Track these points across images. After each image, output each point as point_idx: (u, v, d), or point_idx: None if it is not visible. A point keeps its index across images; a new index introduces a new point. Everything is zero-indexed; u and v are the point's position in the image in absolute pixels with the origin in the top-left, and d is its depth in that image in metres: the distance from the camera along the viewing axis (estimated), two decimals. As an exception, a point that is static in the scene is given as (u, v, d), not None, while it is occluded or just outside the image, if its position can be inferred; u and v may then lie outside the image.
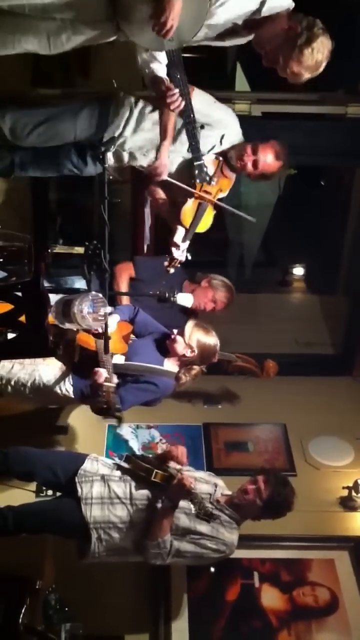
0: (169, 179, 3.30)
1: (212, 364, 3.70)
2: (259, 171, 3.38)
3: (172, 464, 3.34)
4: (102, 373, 3.07)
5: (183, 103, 2.91)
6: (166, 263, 3.46)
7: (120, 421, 3.04)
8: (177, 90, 2.87)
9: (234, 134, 3.37)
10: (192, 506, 3.05)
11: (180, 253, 3.43)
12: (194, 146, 3.11)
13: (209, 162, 3.31)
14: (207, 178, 3.22)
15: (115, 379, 3.08)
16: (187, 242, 3.43)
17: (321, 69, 2.80)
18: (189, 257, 3.53)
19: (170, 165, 3.35)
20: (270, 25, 2.75)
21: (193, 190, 3.27)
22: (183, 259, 3.46)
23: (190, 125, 3.06)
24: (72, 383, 3.39)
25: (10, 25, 2.82)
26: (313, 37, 2.71)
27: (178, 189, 3.31)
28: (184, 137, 3.28)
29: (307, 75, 2.80)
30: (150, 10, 2.57)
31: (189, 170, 3.31)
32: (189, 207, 3.33)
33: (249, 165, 3.34)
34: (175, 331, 3.52)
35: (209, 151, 3.31)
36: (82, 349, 3.18)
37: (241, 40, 2.96)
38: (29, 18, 2.77)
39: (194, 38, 2.78)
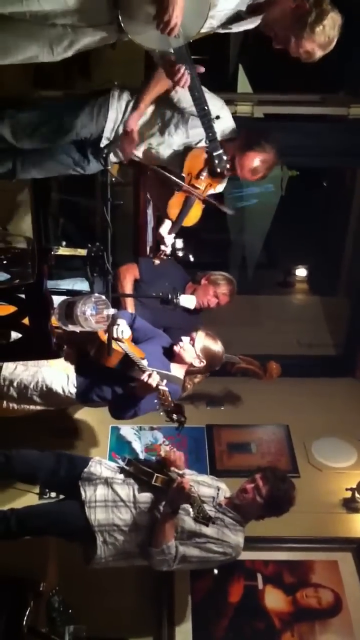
0: (157, 169, 3.28)
1: (215, 366, 3.71)
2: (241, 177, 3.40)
3: (174, 468, 3.33)
4: (155, 376, 3.07)
5: (189, 79, 2.89)
6: (152, 255, 3.44)
7: (182, 425, 3.01)
8: (183, 67, 2.86)
9: (222, 127, 3.33)
10: (191, 510, 3.03)
11: (167, 245, 3.40)
12: (211, 137, 3.09)
13: (200, 156, 3.28)
14: (227, 166, 3.19)
15: (165, 381, 3.09)
16: (173, 235, 3.39)
17: (332, 46, 2.76)
18: (191, 259, 3.52)
19: (160, 157, 3.32)
20: (276, 6, 2.73)
21: (181, 183, 3.23)
22: (169, 251, 3.44)
23: (206, 118, 3.03)
24: (75, 385, 3.39)
25: (12, 32, 2.83)
26: (323, 13, 2.65)
27: (166, 179, 3.28)
28: (172, 128, 3.26)
29: (319, 53, 2.75)
30: (154, 9, 2.55)
31: (179, 161, 3.28)
32: (175, 200, 3.28)
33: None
34: (185, 339, 3.52)
35: (196, 144, 3.28)
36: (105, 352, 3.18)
37: (249, 25, 2.92)
38: (31, 24, 2.78)
39: (200, 31, 2.76)
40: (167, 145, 3.30)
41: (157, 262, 3.48)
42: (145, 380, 3.06)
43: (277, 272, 6.68)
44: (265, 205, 5.56)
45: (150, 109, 3.25)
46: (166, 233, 3.40)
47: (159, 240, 3.36)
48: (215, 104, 3.30)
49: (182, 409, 2.96)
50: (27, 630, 2.98)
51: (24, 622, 2.98)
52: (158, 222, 4.49)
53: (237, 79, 4.98)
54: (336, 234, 5.98)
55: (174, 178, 3.21)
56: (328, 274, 6.31)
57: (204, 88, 3.21)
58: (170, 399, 2.99)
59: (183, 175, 3.22)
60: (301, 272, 6.63)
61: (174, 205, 3.29)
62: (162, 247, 3.38)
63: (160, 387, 3.02)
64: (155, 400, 3.07)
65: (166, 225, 3.38)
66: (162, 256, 3.44)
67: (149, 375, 3.06)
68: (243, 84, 4.95)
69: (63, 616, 3.25)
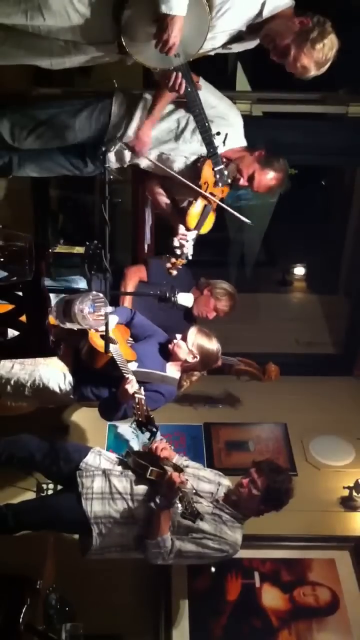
0: (179, 177, 3.29)
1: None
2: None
3: (177, 461, 3.33)
4: (134, 382, 3.06)
5: (184, 83, 2.93)
6: (169, 265, 3.37)
7: (154, 435, 3.01)
8: (175, 74, 2.90)
9: (237, 136, 3.35)
10: (179, 504, 2.99)
11: (185, 252, 3.38)
12: (212, 152, 3.12)
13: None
14: (229, 181, 3.21)
15: (142, 389, 3.09)
16: (194, 236, 3.38)
17: (326, 67, 2.80)
18: (189, 257, 3.51)
19: (172, 164, 3.34)
20: (278, 19, 2.76)
21: (201, 191, 3.25)
22: (190, 254, 3.40)
23: (207, 134, 3.06)
24: (72, 383, 3.38)
25: (13, 43, 2.85)
26: (325, 32, 2.72)
27: (185, 187, 3.30)
28: (187, 135, 3.27)
29: (314, 71, 2.80)
30: (154, 28, 2.60)
31: (193, 170, 3.30)
32: (196, 211, 3.30)
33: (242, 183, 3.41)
34: (178, 336, 3.52)
35: None
36: (93, 353, 3.17)
37: (250, 45, 2.97)
38: (33, 36, 2.80)
39: (200, 51, 2.80)
40: (179, 152, 3.30)
41: (174, 272, 3.39)
42: (124, 387, 3.06)
43: (275, 270, 6.67)
44: (264, 203, 5.54)
45: (168, 114, 3.28)
46: (186, 232, 3.36)
47: (176, 248, 3.32)
48: (232, 110, 3.35)
49: (153, 420, 2.94)
50: (24, 628, 2.97)
51: (21, 620, 2.98)
52: (157, 221, 4.50)
53: (236, 77, 4.97)
54: (335, 232, 5.98)
55: (195, 187, 3.23)
56: (327, 272, 6.31)
57: (220, 94, 3.28)
58: (145, 408, 2.96)
59: (200, 184, 3.25)
60: (300, 270, 6.63)
61: (195, 215, 3.30)
62: (184, 253, 3.31)
63: (136, 395, 3.01)
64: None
65: (183, 228, 3.36)
66: (178, 266, 3.38)
67: (128, 382, 3.06)
68: (242, 82, 4.94)
69: (60, 614, 3.25)
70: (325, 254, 6.30)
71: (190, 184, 3.23)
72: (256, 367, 4.51)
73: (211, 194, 3.27)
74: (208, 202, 3.29)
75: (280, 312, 6.20)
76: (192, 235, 3.34)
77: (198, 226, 3.33)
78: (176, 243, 3.31)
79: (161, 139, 3.24)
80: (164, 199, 3.54)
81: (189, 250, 3.32)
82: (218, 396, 4.95)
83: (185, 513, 2.91)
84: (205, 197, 3.27)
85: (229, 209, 3.35)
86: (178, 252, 3.31)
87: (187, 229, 3.33)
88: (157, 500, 3.09)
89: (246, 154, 3.36)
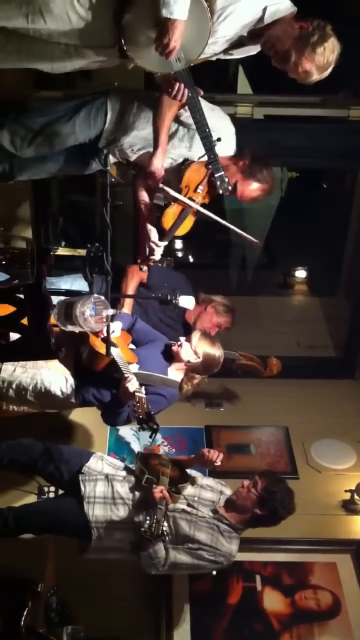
0: (160, 185, 3.29)
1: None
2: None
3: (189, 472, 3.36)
4: (134, 380, 3.07)
5: (186, 92, 2.92)
6: (139, 260, 3.37)
7: (155, 432, 3.00)
8: (179, 83, 2.89)
9: (226, 147, 3.33)
10: (147, 520, 2.93)
11: (156, 253, 3.37)
12: (212, 159, 3.11)
13: (199, 170, 3.29)
14: (230, 188, 3.20)
15: (143, 388, 3.09)
16: (165, 243, 3.38)
17: (328, 71, 2.80)
18: (191, 260, 3.51)
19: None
20: (278, 25, 2.75)
21: (179, 197, 3.24)
22: (158, 259, 3.39)
23: (207, 140, 3.06)
24: (73, 387, 3.38)
25: (15, 45, 2.85)
26: (326, 36, 2.71)
27: (164, 193, 3.29)
28: (175, 141, 3.28)
29: (316, 76, 2.79)
30: (155, 32, 2.60)
31: (177, 172, 3.30)
32: (172, 211, 3.29)
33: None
34: (182, 338, 3.53)
35: (199, 158, 3.29)
36: (93, 355, 3.18)
37: (251, 51, 2.97)
38: (34, 40, 2.80)
39: (201, 56, 2.80)
40: (166, 153, 3.30)
41: (144, 268, 3.45)
42: (125, 385, 3.07)
43: (276, 273, 6.67)
44: (265, 206, 5.55)
45: None
46: (157, 240, 3.36)
47: (149, 247, 3.33)
48: (224, 123, 3.33)
49: (153, 417, 2.95)
50: (25, 631, 2.97)
51: (22, 623, 2.98)
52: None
53: (237, 80, 4.98)
54: (336, 235, 5.98)
55: (173, 192, 3.21)
56: (328, 275, 6.31)
57: (211, 105, 3.25)
58: (145, 406, 2.96)
59: (180, 187, 3.23)
60: (301, 273, 6.62)
61: (170, 215, 3.29)
62: (152, 257, 3.34)
63: (137, 393, 3.01)
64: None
65: (154, 233, 3.36)
66: (150, 263, 3.40)
67: (128, 380, 3.07)
68: (243, 85, 4.95)
69: (61, 616, 3.26)
70: (327, 257, 6.30)
71: (167, 188, 3.21)
72: (258, 361, 4.51)
73: (190, 198, 3.26)
74: (186, 207, 3.28)
75: (281, 315, 6.20)
76: (160, 248, 3.32)
77: (174, 226, 3.31)
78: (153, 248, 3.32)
79: (150, 139, 3.25)
80: (145, 199, 3.52)
81: (157, 257, 3.33)
82: (219, 398, 4.95)
83: (146, 533, 2.84)
84: (180, 201, 3.25)
85: (209, 213, 3.33)
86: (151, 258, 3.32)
87: (162, 230, 3.31)
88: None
89: (230, 163, 3.34)
